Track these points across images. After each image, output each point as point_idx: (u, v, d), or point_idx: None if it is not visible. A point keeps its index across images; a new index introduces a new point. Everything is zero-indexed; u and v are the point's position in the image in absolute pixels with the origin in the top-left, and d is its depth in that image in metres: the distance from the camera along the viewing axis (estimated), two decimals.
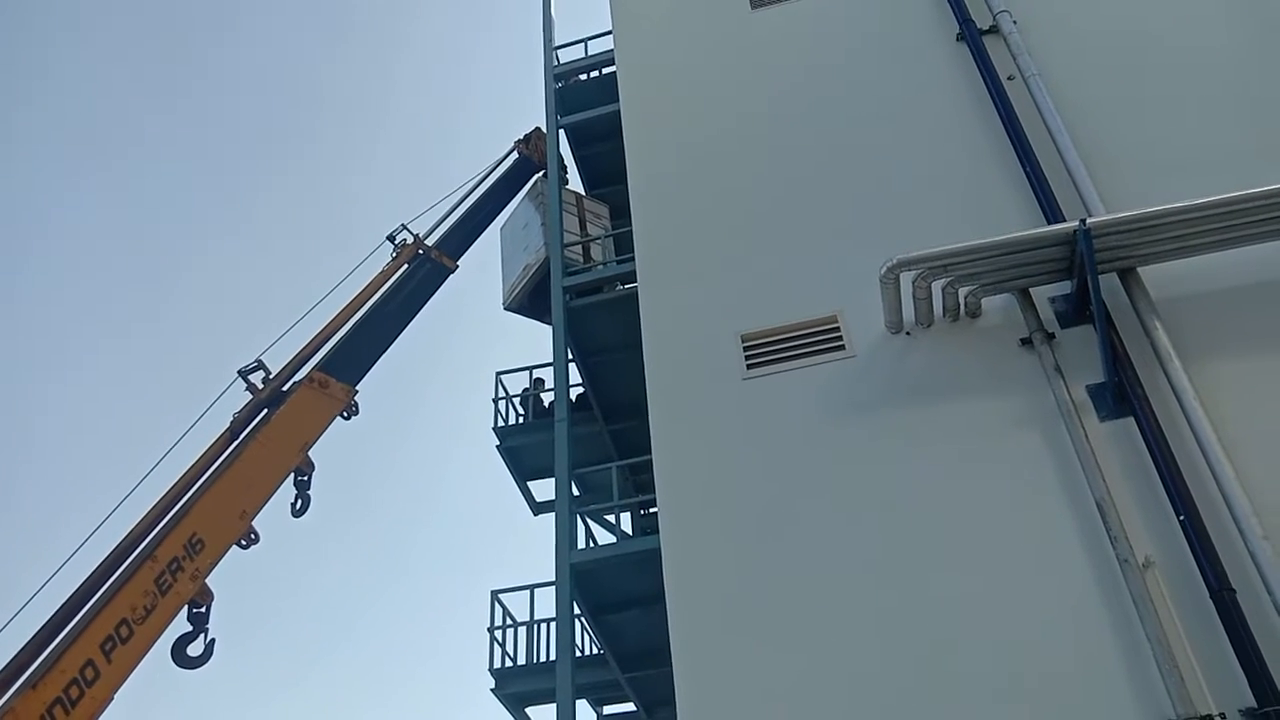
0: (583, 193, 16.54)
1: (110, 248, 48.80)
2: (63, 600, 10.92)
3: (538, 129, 17.32)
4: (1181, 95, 9.90)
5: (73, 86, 46.46)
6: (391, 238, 15.89)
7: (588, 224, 15.56)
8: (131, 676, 10.51)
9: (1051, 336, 8.57)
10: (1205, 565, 6.98)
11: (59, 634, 10.45)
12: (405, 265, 15.57)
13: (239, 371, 13.31)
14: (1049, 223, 8.99)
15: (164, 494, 12.04)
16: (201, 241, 50.97)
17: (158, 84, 50.50)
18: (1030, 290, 8.80)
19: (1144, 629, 6.86)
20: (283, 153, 53.90)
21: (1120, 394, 8.03)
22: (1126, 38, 10.56)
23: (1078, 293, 8.55)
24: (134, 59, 50.44)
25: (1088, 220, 8.20)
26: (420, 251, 15.84)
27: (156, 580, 10.97)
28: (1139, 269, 8.45)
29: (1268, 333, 8.15)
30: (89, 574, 11.18)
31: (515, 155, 17.58)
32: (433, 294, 15.78)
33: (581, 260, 14.91)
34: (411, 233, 15.95)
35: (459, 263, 16.28)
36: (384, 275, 15.27)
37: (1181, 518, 7.23)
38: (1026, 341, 8.62)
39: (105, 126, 47.91)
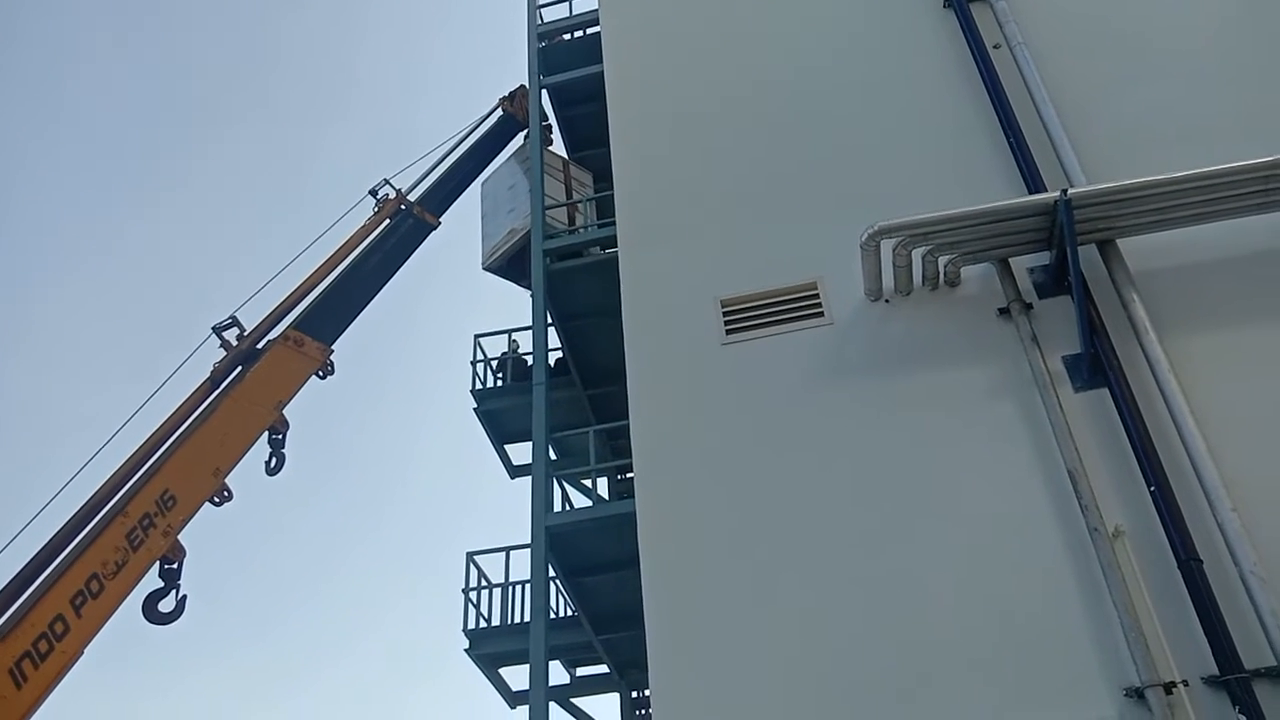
0: (568, 157, 16.38)
1: (63, 193, 47.96)
2: (33, 554, 10.84)
3: (523, 86, 17.12)
4: (1165, 68, 9.88)
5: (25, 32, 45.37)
6: (373, 192, 15.72)
7: (573, 192, 15.44)
8: (101, 631, 10.48)
9: (1029, 307, 8.59)
10: (1174, 535, 7.05)
11: (28, 588, 10.39)
12: (387, 220, 15.41)
13: (213, 328, 13.19)
14: (1030, 193, 8.99)
15: (137, 448, 11.96)
16: (169, 184, 50.24)
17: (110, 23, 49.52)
18: (1009, 260, 8.80)
19: (1112, 597, 6.94)
20: (247, 105, 53.04)
21: (1095, 365, 8.06)
22: (1112, 8, 10.52)
23: (1056, 263, 8.57)
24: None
25: (1069, 191, 8.19)
26: (402, 207, 15.67)
27: (128, 536, 10.92)
28: (1118, 241, 8.47)
29: (1243, 307, 8.19)
30: (59, 528, 11.10)
31: (500, 113, 17.38)
32: (414, 250, 15.66)
33: (566, 225, 14.80)
34: (394, 187, 15.79)
35: (441, 219, 16.13)
36: (365, 230, 15.13)
37: (1152, 488, 7.30)
38: (1004, 311, 8.63)
39: (60, 72, 46.95)
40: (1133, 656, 6.70)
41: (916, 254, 8.75)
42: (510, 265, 15.66)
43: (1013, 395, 8.20)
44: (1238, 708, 6.38)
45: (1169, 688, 6.53)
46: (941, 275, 8.89)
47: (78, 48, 48.38)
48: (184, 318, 45.29)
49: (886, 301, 9.05)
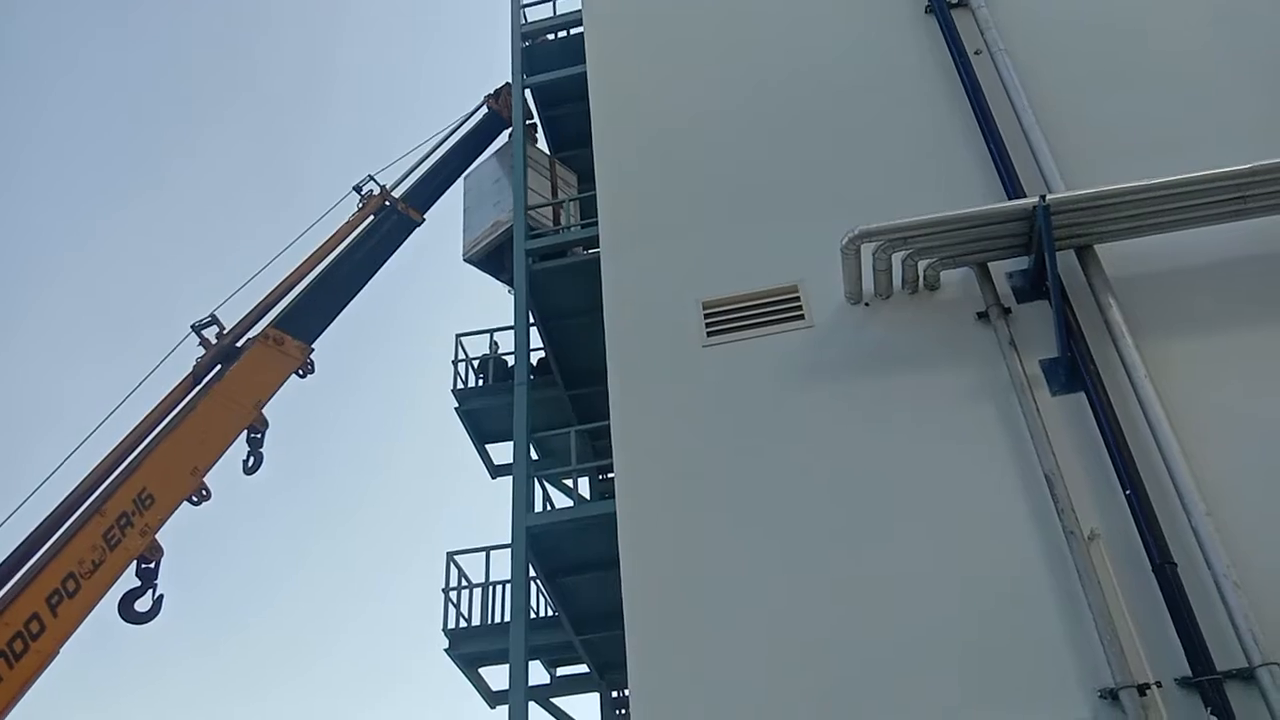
0: (555, 158, 16.37)
1: (44, 188, 47.45)
2: (7, 553, 10.75)
3: (508, 84, 17.07)
4: (1145, 76, 9.98)
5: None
6: (358, 188, 15.66)
7: (559, 191, 15.42)
8: (77, 630, 10.40)
9: (1008, 311, 8.66)
10: (1148, 538, 7.13)
11: (3, 587, 10.29)
12: (371, 217, 15.36)
13: (193, 326, 13.09)
14: (1010, 198, 9.07)
15: (115, 446, 11.86)
16: (139, 184, 49.79)
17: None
18: (988, 265, 8.87)
19: (1087, 599, 7.01)
20: (231, 101, 52.63)
21: (1072, 369, 8.14)
22: (1092, 16, 10.61)
23: (1035, 268, 8.64)
24: None
25: (1047, 197, 8.27)
26: (387, 203, 15.62)
27: (105, 535, 10.81)
28: (1096, 246, 8.56)
29: (1219, 312, 8.29)
30: (36, 526, 11.00)
31: (485, 110, 17.34)
32: (398, 247, 15.60)
33: (551, 223, 14.78)
34: (378, 184, 15.74)
35: (425, 216, 16.09)
36: (349, 226, 15.05)
37: (1128, 492, 7.38)
38: (983, 315, 8.70)
39: (43, 67, 46.45)
40: (1107, 658, 6.77)
41: (896, 258, 8.80)
42: (490, 258, 15.60)
43: (991, 398, 8.27)
44: (1210, 709, 6.47)
45: (1143, 689, 6.61)
46: (921, 279, 8.95)
47: (62, 43, 47.91)
48: (167, 313, 44.95)
49: (866, 305, 9.10)
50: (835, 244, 8.78)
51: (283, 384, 13.41)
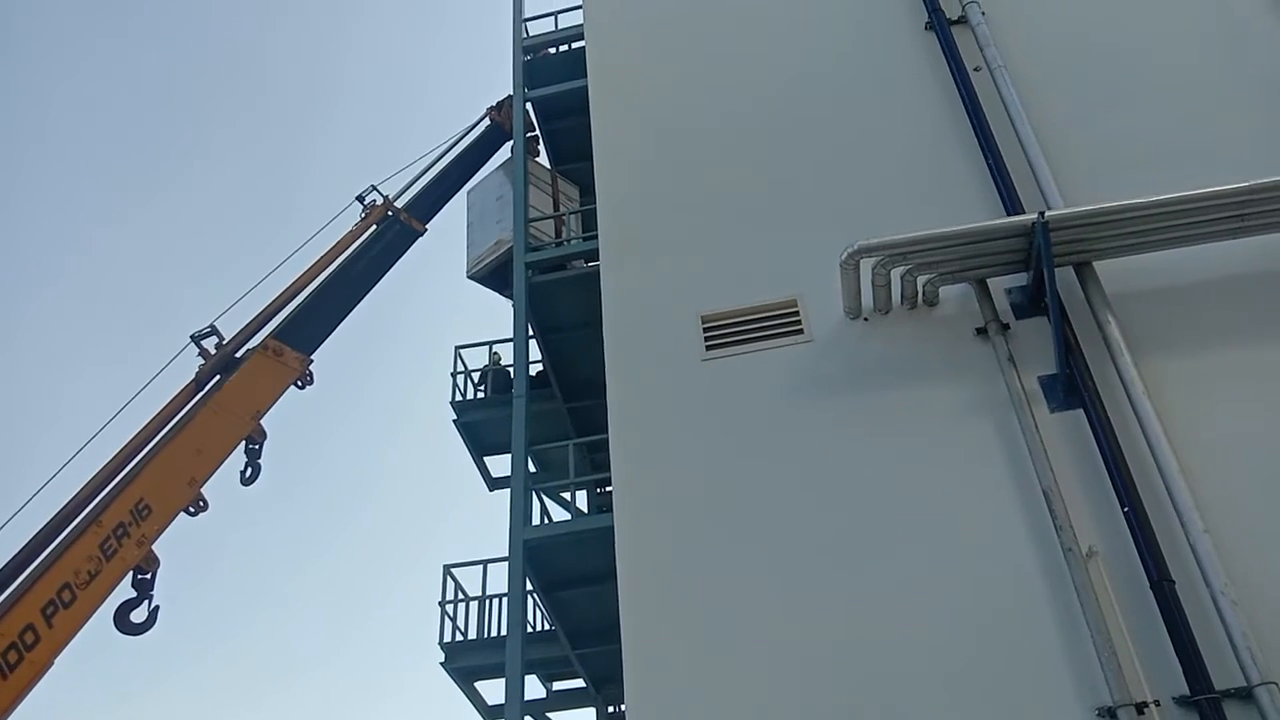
0: (557, 171, 16.41)
1: (47, 195, 47.47)
2: (3, 562, 10.72)
3: (511, 96, 17.15)
4: (1143, 93, 10.02)
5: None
6: (361, 198, 15.74)
7: (560, 205, 15.46)
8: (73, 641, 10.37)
9: (1006, 327, 8.66)
10: (1146, 556, 7.12)
11: None
12: (373, 226, 15.41)
13: (192, 336, 13.11)
14: (1008, 214, 9.09)
15: (113, 456, 11.85)
16: (140, 195, 49.80)
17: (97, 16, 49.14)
18: (987, 281, 8.89)
19: (1085, 617, 6.99)
20: (233, 111, 52.72)
21: (1071, 386, 8.14)
22: (1091, 34, 10.66)
23: (1033, 285, 8.66)
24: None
25: (1046, 213, 8.29)
26: (389, 213, 15.68)
27: (101, 545, 10.80)
28: (1094, 263, 8.57)
29: (1217, 330, 8.30)
30: (32, 536, 10.99)
31: (487, 122, 17.41)
32: (399, 257, 15.66)
33: (553, 237, 14.81)
34: (381, 194, 15.80)
35: (427, 226, 16.14)
36: (351, 236, 15.12)
37: (1125, 509, 7.37)
38: (981, 331, 8.71)
39: (48, 72, 46.53)
40: (1105, 676, 6.75)
41: (895, 273, 8.81)
42: (494, 275, 15.63)
43: (989, 415, 8.27)
44: None
45: (1141, 708, 6.59)
46: (920, 295, 8.96)
47: (65, 48, 48.04)
48: (167, 319, 44.94)
49: (865, 320, 9.11)
50: (835, 259, 8.79)
51: (281, 395, 13.42)
